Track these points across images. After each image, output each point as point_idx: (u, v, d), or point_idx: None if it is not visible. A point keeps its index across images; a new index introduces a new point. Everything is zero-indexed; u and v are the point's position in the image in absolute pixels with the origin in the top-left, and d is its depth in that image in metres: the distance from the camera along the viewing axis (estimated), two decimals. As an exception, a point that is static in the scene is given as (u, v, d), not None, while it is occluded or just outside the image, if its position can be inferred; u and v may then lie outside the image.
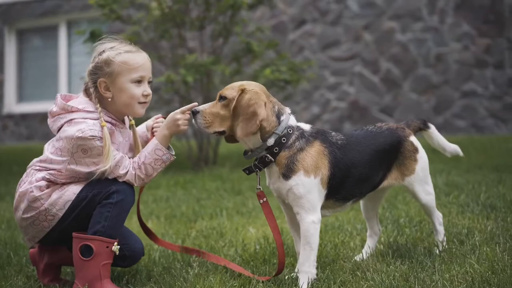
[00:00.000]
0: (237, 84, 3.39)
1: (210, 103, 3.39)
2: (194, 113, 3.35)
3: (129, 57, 3.45)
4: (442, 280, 3.13)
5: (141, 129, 3.77)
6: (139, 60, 3.48)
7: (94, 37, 7.60)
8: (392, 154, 3.62)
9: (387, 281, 3.18)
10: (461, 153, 3.94)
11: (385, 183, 3.64)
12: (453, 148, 3.93)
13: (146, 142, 3.71)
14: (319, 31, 12.51)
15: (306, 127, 3.44)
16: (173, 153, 3.51)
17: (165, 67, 8.66)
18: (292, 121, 3.41)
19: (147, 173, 3.44)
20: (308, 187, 3.30)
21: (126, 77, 3.43)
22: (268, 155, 3.35)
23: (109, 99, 3.44)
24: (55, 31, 15.10)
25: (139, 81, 3.46)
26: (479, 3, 11.42)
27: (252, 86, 3.38)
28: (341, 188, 3.44)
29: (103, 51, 3.47)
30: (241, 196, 5.95)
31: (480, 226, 4.13)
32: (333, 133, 3.50)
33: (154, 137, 3.50)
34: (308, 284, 3.27)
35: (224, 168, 7.83)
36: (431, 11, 11.74)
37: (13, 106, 15.27)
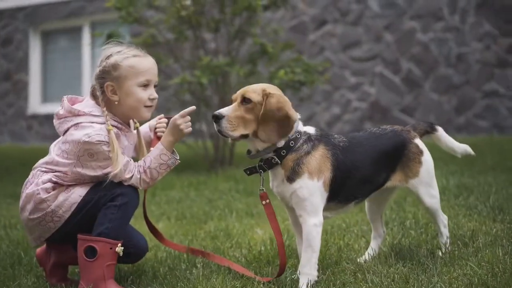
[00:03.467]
0: (258, 87, 3.41)
1: (231, 107, 3.38)
2: (219, 118, 3.33)
3: (136, 61, 3.51)
4: (440, 282, 3.14)
5: (144, 129, 3.83)
6: (146, 64, 3.54)
7: (111, 39, 7.66)
8: (396, 156, 3.63)
9: (385, 282, 3.20)
10: (472, 152, 3.92)
11: (388, 184, 3.65)
12: (463, 148, 3.92)
13: (149, 142, 3.79)
14: (340, 31, 12.50)
15: (312, 130, 3.48)
16: (178, 157, 3.56)
17: (182, 68, 8.73)
18: (300, 126, 3.45)
19: (152, 177, 3.50)
20: (311, 190, 3.34)
21: (133, 81, 3.50)
22: (274, 157, 3.38)
23: (116, 103, 3.51)
24: (79, 33, 15.26)
25: (145, 85, 3.53)
26: (501, 3, 11.32)
27: (274, 89, 3.43)
28: (343, 190, 3.47)
29: (110, 55, 3.53)
30: (253, 197, 5.98)
31: (486, 228, 4.12)
32: (335, 135, 3.53)
33: (159, 142, 3.55)
34: (308, 285, 3.30)
35: (239, 169, 7.87)
36: (452, 11, 11.67)
37: (37, 106, 15.46)
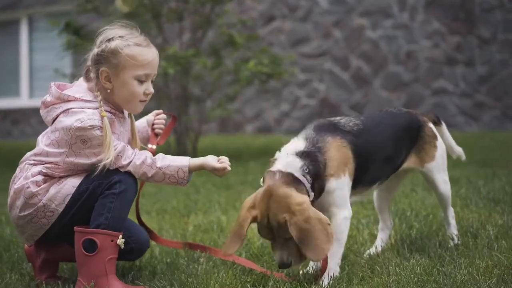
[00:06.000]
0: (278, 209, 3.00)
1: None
2: (286, 266, 3.06)
3: (138, 52, 3.19)
4: (470, 273, 3.00)
5: (142, 123, 3.57)
6: (147, 56, 3.22)
7: (69, 28, 7.33)
8: (411, 137, 3.52)
9: (412, 275, 3.05)
10: (463, 157, 3.92)
11: (405, 165, 3.53)
12: (458, 150, 3.90)
13: (146, 138, 3.55)
14: (289, 28, 12.41)
15: (300, 146, 3.17)
16: (190, 180, 3.29)
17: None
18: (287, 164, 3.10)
19: (154, 177, 3.20)
20: (339, 185, 3.17)
21: (131, 72, 3.18)
22: None
23: (108, 91, 3.22)
24: (16, 26, 14.70)
25: (143, 79, 3.24)
26: (450, 1, 11.45)
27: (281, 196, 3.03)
28: (367, 173, 3.32)
29: (112, 38, 3.21)
30: (231, 191, 5.79)
31: (490, 219, 4.05)
32: (341, 120, 3.33)
33: (188, 157, 3.28)
34: (330, 280, 3.11)
35: (205, 163, 7.69)
36: (401, 8, 11.74)
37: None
